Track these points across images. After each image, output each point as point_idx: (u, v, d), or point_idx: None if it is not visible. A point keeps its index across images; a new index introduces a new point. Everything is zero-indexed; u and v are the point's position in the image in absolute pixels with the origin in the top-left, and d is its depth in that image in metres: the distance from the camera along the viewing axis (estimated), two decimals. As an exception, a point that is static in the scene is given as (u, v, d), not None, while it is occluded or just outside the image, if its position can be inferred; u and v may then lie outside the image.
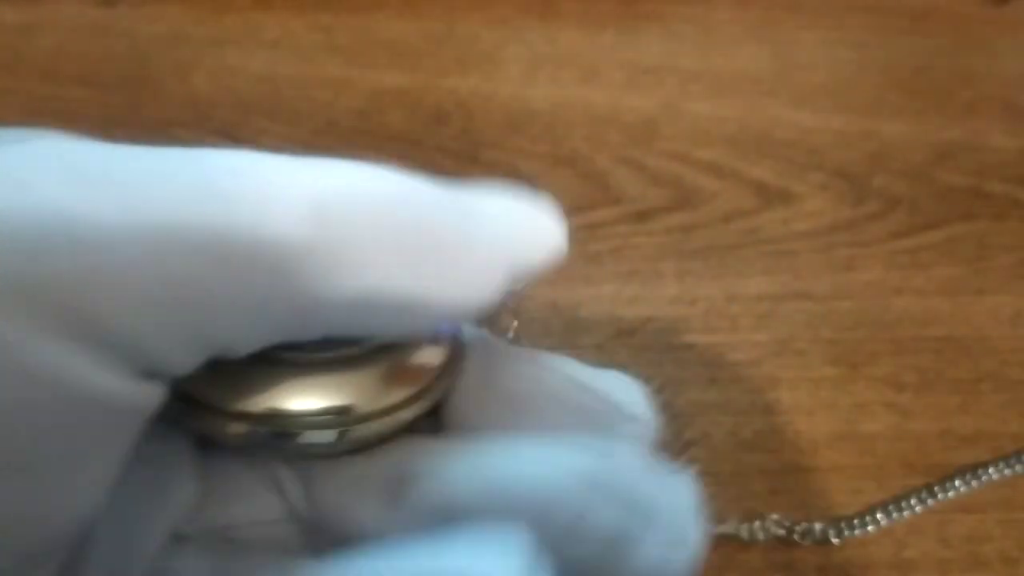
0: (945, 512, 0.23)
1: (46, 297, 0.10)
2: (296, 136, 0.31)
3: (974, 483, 0.23)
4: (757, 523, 0.22)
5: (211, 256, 0.11)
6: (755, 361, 0.25)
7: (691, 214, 0.30)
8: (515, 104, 0.33)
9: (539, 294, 0.26)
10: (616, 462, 0.14)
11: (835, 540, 0.22)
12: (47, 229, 0.10)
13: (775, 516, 0.22)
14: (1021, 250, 0.29)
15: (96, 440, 0.11)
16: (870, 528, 0.22)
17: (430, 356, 0.15)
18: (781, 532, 0.22)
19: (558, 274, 0.16)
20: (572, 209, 0.18)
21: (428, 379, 0.15)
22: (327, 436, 0.14)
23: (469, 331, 0.16)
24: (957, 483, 0.23)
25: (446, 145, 0.31)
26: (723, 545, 0.22)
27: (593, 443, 0.14)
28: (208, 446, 0.14)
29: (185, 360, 0.11)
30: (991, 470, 0.23)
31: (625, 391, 0.16)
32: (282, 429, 0.13)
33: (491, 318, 0.16)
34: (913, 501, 0.23)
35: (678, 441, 0.23)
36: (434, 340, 0.15)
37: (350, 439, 0.14)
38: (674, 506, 0.14)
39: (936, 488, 0.23)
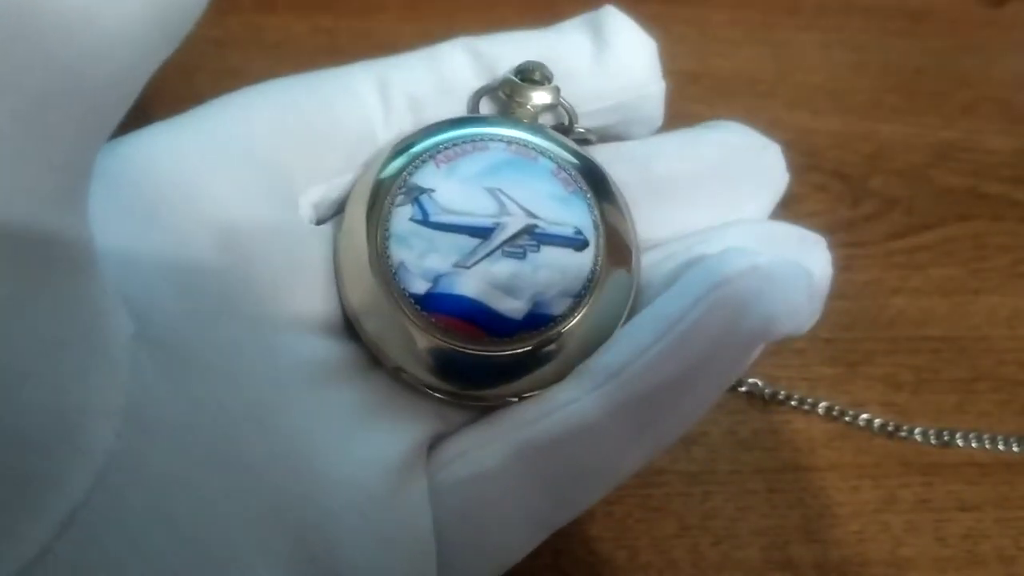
0: (942, 511, 0.23)
1: None
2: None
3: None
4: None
5: None
6: (753, 360, 0.25)
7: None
8: (515, 105, 0.33)
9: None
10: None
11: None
12: None
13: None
14: (1018, 250, 0.29)
15: None
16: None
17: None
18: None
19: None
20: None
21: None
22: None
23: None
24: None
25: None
26: (721, 543, 0.22)
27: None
28: None
29: None
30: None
31: (740, 131, 0.18)
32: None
33: None
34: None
35: (677, 440, 0.24)
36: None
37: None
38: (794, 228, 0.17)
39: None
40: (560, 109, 0.18)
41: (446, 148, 0.16)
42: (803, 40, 0.35)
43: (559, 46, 0.18)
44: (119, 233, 0.14)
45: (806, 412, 0.24)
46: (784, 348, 0.26)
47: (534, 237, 0.15)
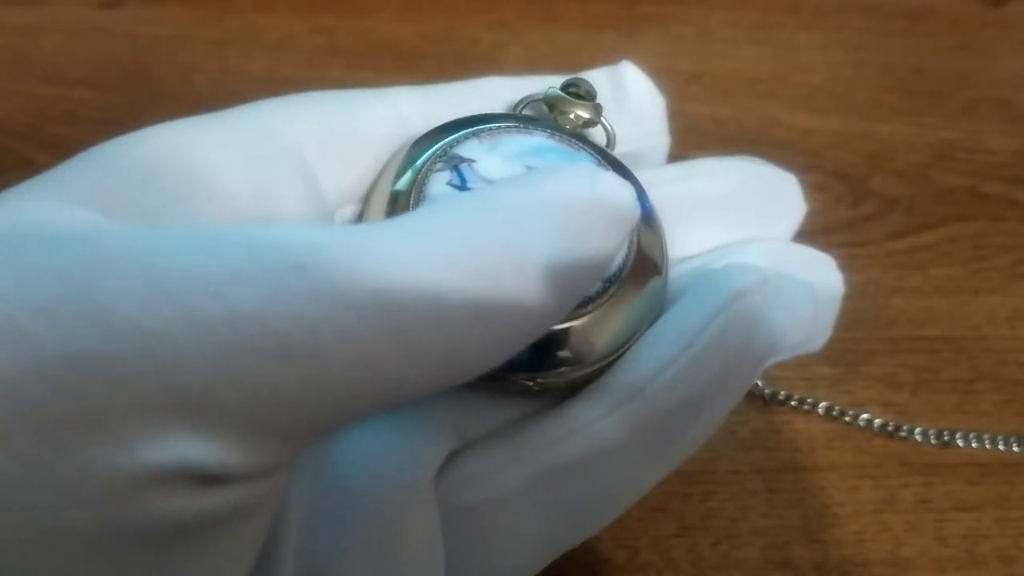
0: (942, 511, 0.23)
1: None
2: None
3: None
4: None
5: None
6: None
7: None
8: (515, 105, 0.33)
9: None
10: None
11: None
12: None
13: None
14: (1018, 250, 0.29)
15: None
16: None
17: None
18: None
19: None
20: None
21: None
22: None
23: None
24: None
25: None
26: (721, 543, 0.22)
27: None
28: None
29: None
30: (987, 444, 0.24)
31: (757, 163, 0.19)
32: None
33: None
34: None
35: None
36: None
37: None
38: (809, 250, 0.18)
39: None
40: (600, 128, 0.18)
41: (490, 129, 0.16)
42: (803, 40, 0.35)
43: None
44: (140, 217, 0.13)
45: (806, 412, 0.24)
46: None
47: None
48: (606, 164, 0.16)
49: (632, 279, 0.15)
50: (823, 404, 0.24)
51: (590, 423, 0.14)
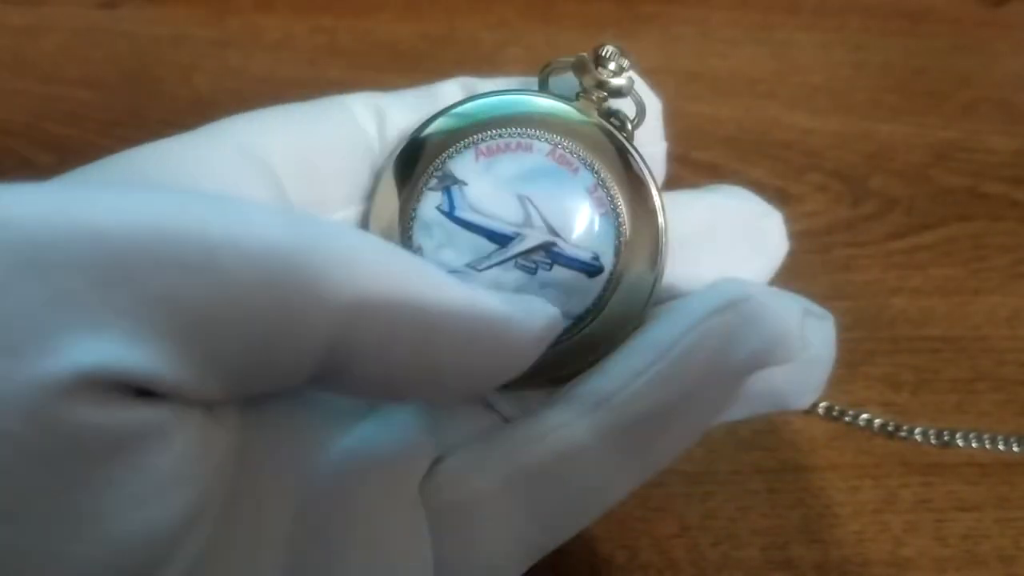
0: (942, 511, 0.23)
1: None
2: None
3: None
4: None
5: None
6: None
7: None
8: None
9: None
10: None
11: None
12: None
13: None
14: (1018, 250, 0.29)
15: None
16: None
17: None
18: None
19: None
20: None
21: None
22: None
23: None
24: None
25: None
26: (721, 543, 0.22)
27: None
28: None
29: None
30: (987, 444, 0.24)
31: (742, 195, 0.18)
32: None
33: None
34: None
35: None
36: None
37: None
38: (804, 302, 0.16)
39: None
40: (631, 100, 0.17)
41: (490, 139, 0.16)
42: (803, 40, 0.35)
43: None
44: None
45: (806, 412, 0.24)
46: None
47: (550, 255, 0.16)
48: (604, 184, 0.16)
49: (610, 307, 0.16)
50: (823, 404, 0.24)
51: (559, 427, 0.14)
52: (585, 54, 0.17)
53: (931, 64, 0.35)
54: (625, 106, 0.17)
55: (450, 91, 0.18)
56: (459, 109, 0.16)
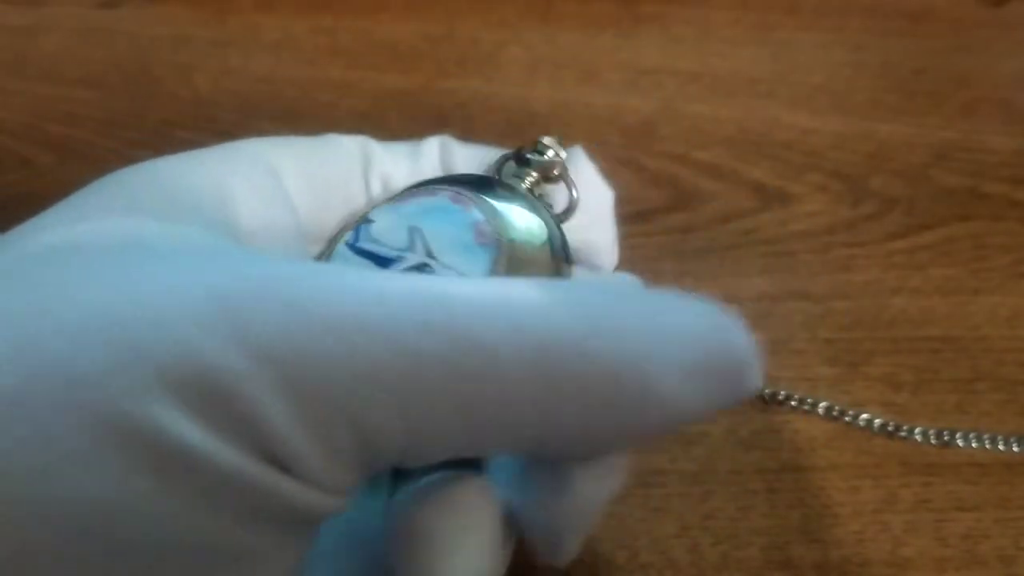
0: (942, 511, 0.23)
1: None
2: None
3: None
4: (755, 521, 0.22)
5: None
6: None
7: (690, 215, 0.30)
8: (515, 105, 0.33)
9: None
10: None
11: (832, 538, 0.22)
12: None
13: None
14: (1018, 250, 0.29)
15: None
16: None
17: None
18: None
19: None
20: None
21: None
22: None
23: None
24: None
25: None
26: (721, 543, 0.22)
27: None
28: None
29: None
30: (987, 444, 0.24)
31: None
32: None
33: None
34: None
35: (676, 439, 0.24)
36: None
37: None
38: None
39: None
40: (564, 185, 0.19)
41: (416, 190, 0.18)
42: (803, 40, 0.35)
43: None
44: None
45: (806, 412, 0.24)
46: (784, 348, 0.26)
47: (422, 273, 0.17)
48: (492, 223, 0.17)
49: None
50: (823, 404, 0.24)
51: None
52: (525, 148, 0.19)
53: (931, 64, 0.35)
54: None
55: (430, 148, 0.19)
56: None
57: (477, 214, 0.17)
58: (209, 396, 0.10)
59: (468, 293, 0.12)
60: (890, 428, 0.24)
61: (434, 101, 0.33)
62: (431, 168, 0.19)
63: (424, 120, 0.33)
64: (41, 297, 0.11)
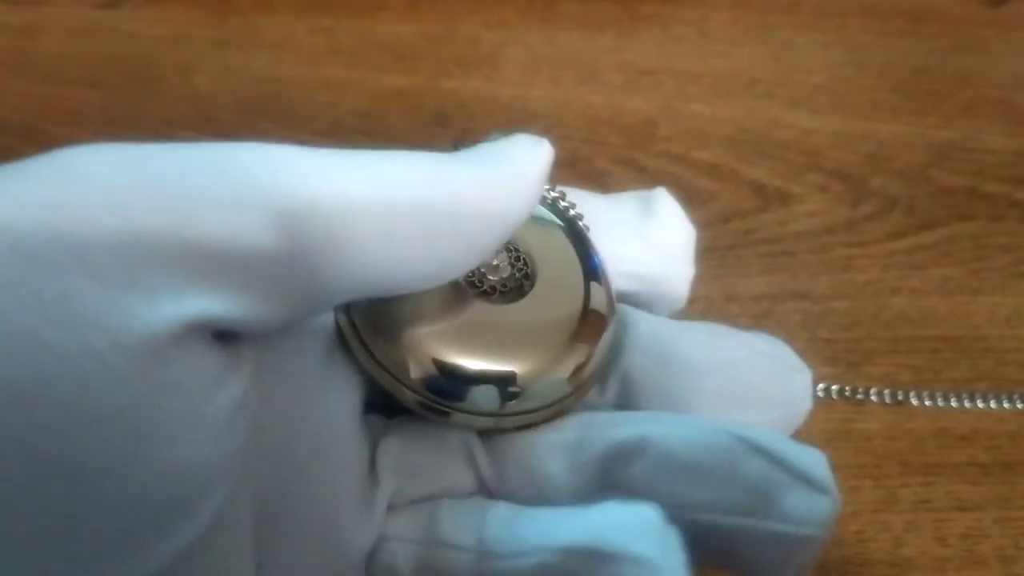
0: (942, 510, 0.23)
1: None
2: (298, 138, 0.31)
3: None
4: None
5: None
6: None
7: (690, 215, 0.30)
8: (515, 105, 0.33)
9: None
10: (762, 430, 0.15)
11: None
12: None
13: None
14: (1018, 250, 0.29)
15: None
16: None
17: (590, 334, 0.16)
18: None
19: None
20: None
21: (586, 359, 0.16)
22: (492, 402, 0.16)
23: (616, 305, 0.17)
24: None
25: (447, 147, 0.31)
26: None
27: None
28: (412, 421, 0.16)
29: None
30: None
31: (778, 346, 0.18)
32: (450, 392, 0.15)
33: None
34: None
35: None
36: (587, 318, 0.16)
37: (513, 408, 0.16)
38: (813, 464, 0.15)
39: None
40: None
41: None
42: (803, 40, 0.35)
43: (611, 207, 0.19)
44: None
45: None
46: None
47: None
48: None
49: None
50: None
51: (452, 547, 0.15)
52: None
53: (931, 64, 0.35)
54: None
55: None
56: None
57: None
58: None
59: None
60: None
61: (434, 101, 0.33)
62: None
63: (424, 120, 0.33)
64: None
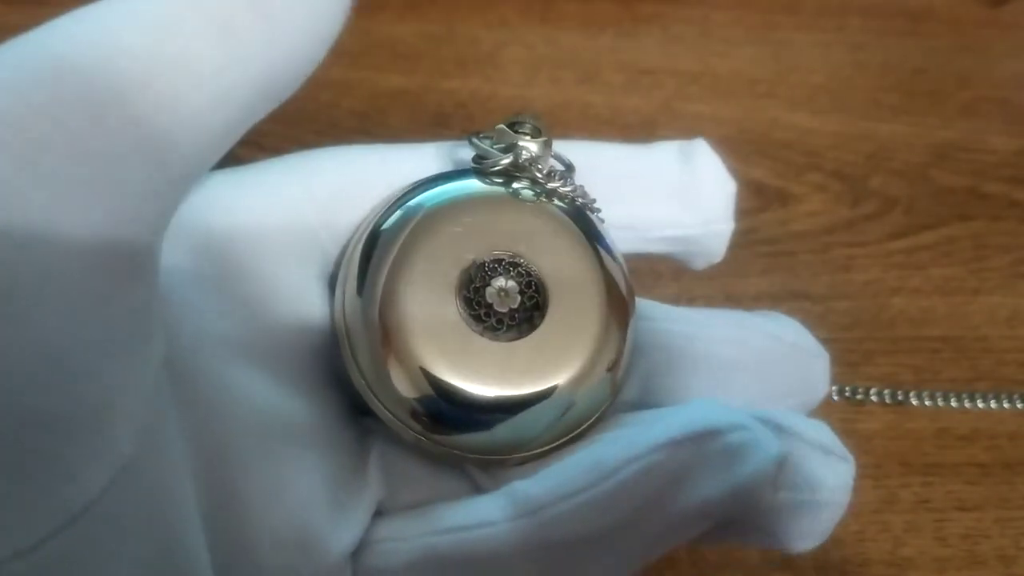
0: (942, 510, 0.23)
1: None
2: (298, 137, 0.31)
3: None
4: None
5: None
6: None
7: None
8: (515, 105, 0.33)
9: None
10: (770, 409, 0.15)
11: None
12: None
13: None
14: (1018, 250, 0.29)
15: None
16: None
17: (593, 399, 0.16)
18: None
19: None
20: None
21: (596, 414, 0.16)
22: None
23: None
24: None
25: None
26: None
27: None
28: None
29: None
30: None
31: (796, 331, 0.17)
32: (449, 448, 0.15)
33: None
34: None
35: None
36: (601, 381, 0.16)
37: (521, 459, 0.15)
38: (825, 434, 0.15)
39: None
40: (556, 163, 0.17)
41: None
42: (803, 40, 0.35)
43: (649, 163, 0.18)
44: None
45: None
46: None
47: None
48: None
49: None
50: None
51: (483, 524, 0.14)
52: (501, 125, 0.17)
53: (931, 64, 0.35)
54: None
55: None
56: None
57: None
58: None
59: None
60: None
61: (434, 101, 0.33)
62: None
63: (424, 120, 0.33)
64: None
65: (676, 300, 0.27)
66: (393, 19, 0.36)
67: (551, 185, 0.17)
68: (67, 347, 0.11)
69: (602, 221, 0.17)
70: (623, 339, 0.16)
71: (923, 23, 0.36)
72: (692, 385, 0.16)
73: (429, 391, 0.15)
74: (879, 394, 0.24)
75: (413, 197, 0.16)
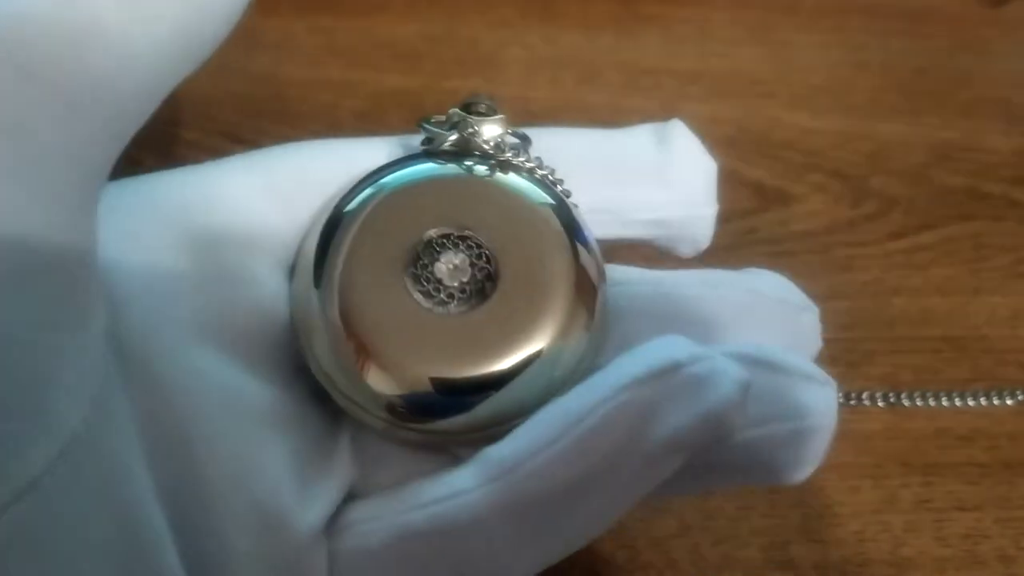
0: (942, 510, 0.23)
1: None
2: (298, 137, 0.31)
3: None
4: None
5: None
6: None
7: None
8: (515, 105, 0.33)
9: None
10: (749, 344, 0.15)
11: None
12: None
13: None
14: (1018, 250, 0.29)
15: None
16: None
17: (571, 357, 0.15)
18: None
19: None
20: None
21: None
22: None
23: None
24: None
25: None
26: (721, 543, 0.22)
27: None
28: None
29: None
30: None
31: (781, 285, 0.17)
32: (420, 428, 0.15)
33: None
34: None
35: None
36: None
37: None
38: (803, 361, 0.15)
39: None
40: (511, 138, 0.17)
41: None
42: (803, 40, 0.35)
43: (624, 148, 0.18)
44: (120, 244, 0.14)
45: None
46: (784, 348, 0.26)
47: None
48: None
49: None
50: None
51: (457, 494, 0.14)
52: (456, 108, 0.17)
53: (931, 64, 0.35)
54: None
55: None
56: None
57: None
58: None
59: None
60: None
61: (434, 101, 0.33)
62: None
63: (424, 120, 0.32)
64: None
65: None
66: (393, 19, 0.36)
67: (503, 157, 0.16)
68: None
69: (568, 195, 0.17)
70: (593, 298, 0.16)
71: (923, 23, 0.36)
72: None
73: (392, 385, 0.15)
74: (879, 394, 0.24)
75: (365, 187, 0.16)
